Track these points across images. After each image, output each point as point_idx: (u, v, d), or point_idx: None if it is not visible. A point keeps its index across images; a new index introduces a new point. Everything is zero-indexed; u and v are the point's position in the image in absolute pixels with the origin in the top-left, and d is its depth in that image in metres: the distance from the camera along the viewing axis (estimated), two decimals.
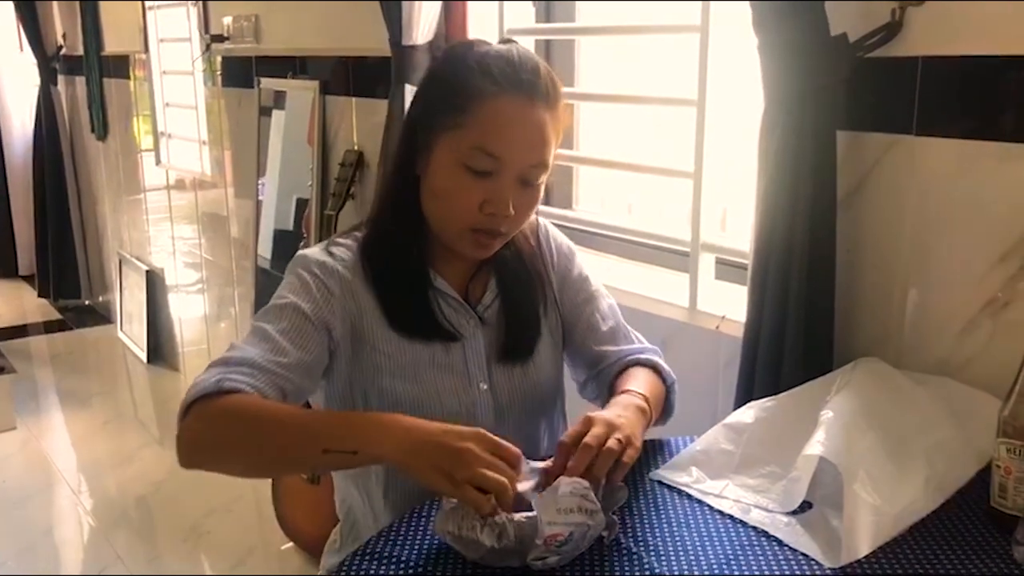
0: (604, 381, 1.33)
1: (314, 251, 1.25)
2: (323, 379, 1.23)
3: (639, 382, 1.25)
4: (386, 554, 1.03)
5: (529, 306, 1.30)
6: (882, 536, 1.01)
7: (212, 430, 1.06)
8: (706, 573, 0.98)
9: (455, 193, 1.17)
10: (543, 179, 1.20)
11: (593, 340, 1.35)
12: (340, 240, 1.28)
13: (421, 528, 1.08)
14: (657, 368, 1.31)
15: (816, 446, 1.06)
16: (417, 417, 1.05)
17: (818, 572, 0.98)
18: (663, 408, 1.29)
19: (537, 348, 1.31)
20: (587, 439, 1.04)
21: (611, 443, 1.04)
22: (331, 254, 1.23)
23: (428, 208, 1.22)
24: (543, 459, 1.09)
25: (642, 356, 1.32)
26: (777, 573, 0.98)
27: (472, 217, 1.17)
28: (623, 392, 1.21)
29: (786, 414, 1.21)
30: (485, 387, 1.26)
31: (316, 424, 1.07)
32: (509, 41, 1.22)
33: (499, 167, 1.15)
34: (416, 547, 1.04)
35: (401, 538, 1.06)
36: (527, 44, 2.22)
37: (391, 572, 1.00)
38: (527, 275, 1.31)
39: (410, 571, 1.00)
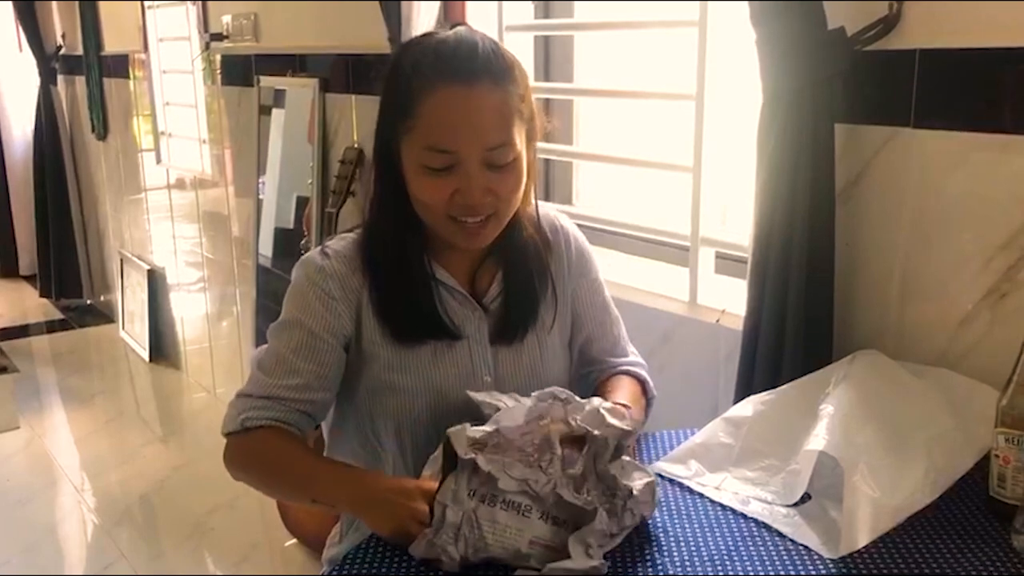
0: (590, 383, 1.37)
1: (312, 255, 1.25)
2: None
3: (624, 393, 1.29)
4: (388, 550, 1.03)
5: (528, 291, 1.29)
6: (881, 527, 1.01)
7: (239, 467, 1.22)
8: (707, 563, 0.99)
9: (424, 192, 1.16)
10: (516, 156, 1.15)
11: (597, 345, 1.38)
12: (341, 236, 1.28)
13: None
14: (643, 382, 1.36)
15: (818, 440, 1.07)
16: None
17: (818, 563, 0.99)
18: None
19: (544, 342, 1.30)
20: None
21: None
22: (327, 255, 1.23)
23: (414, 206, 1.20)
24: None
25: (632, 368, 1.37)
26: (777, 564, 0.99)
27: (446, 208, 1.16)
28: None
29: (785, 407, 1.22)
30: (489, 379, 1.26)
31: (308, 476, 1.17)
32: (457, 26, 1.19)
33: (456, 159, 1.13)
34: None
35: None
36: (525, 40, 2.22)
37: (392, 567, 1.00)
38: (533, 265, 1.29)
39: (411, 569, 1.00)
